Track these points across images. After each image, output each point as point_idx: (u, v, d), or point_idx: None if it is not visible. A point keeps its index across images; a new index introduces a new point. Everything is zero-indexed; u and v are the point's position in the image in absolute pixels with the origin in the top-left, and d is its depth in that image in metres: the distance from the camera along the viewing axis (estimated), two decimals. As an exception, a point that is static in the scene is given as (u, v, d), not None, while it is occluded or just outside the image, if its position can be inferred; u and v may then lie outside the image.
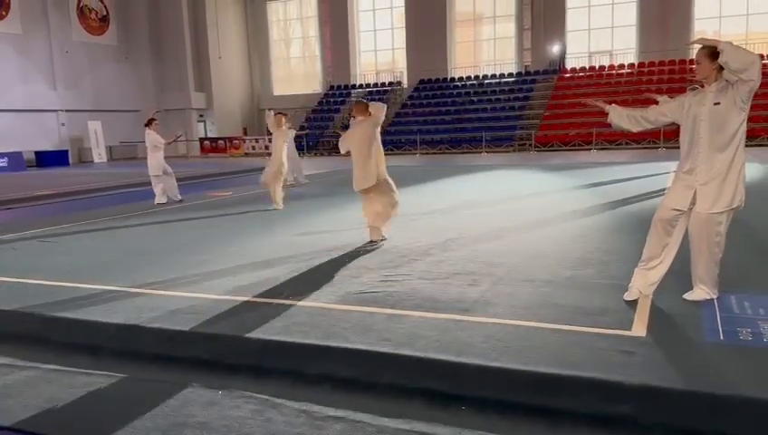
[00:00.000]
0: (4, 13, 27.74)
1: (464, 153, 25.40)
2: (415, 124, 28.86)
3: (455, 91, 30.94)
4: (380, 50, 34.95)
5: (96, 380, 3.66)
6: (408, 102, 31.45)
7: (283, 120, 10.60)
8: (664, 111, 4.27)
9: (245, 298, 4.77)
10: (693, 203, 4.05)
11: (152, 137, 11.42)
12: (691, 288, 4.26)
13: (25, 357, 4.08)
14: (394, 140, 27.28)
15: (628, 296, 4.29)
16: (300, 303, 4.59)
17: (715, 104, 3.92)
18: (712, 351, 3.38)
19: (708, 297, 4.17)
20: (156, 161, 11.47)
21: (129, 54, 33.40)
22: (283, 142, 10.20)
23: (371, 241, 6.81)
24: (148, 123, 11.60)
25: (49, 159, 28.30)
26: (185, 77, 33.88)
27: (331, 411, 3.12)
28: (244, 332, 4.00)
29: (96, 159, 30.27)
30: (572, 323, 3.88)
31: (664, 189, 10.17)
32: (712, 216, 3.98)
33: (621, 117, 4.42)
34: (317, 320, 4.16)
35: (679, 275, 4.45)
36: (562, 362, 3.27)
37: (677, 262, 4.30)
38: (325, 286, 5.02)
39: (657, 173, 13.15)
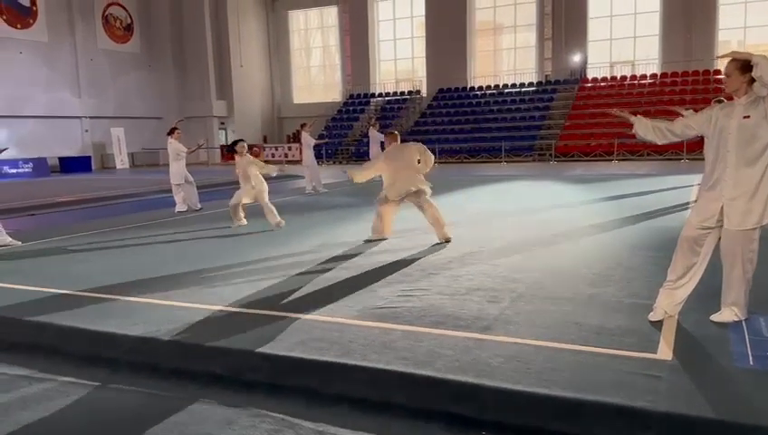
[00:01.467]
0: (31, 21, 28.28)
1: (483, 163, 25.26)
2: (434, 133, 28.78)
3: (474, 101, 30.83)
4: (400, 59, 35.01)
5: (112, 394, 3.65)
6: (428, 111, 31.42)
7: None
8: (690, 123, 4.18)
9: (263, 311, 4.74)
10: (720, 220, 3.94)
11: (175, 146, 11.55)
12: (718, 309, 4.14)
13: (43, 369, 4.09)
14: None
15: (653, 317, 4.18)
16: (317, 317, 4.54)
17: (745, 118, 3.82)
18: (741, 376, 3.27)
19: (736, 319, 4.05)
20: (178, 170, 11.59)
21: (152, 62, 33.86)
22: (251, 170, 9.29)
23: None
24: (171, 132, 11.74)
25: (72, 164, 28.72)
26: (206, 85, 34.24)
27: (348, 433, 3.06)
28: (260, 347, 3.96)
29: (118, 166, 30.67)
30: (595, 344, 3.79)
31: (687, 203, 10.00)
32: (744, 232, 3.87)
33: (647, 129, 4.33)
34: (334, 336, 4.11)
35: (706, 295, 4.33)
36: (585, 386, 3.18)
37: (703, 281, 4.18)
38: (342, 300, 4.97)
39: (680, 186, 12.91)
